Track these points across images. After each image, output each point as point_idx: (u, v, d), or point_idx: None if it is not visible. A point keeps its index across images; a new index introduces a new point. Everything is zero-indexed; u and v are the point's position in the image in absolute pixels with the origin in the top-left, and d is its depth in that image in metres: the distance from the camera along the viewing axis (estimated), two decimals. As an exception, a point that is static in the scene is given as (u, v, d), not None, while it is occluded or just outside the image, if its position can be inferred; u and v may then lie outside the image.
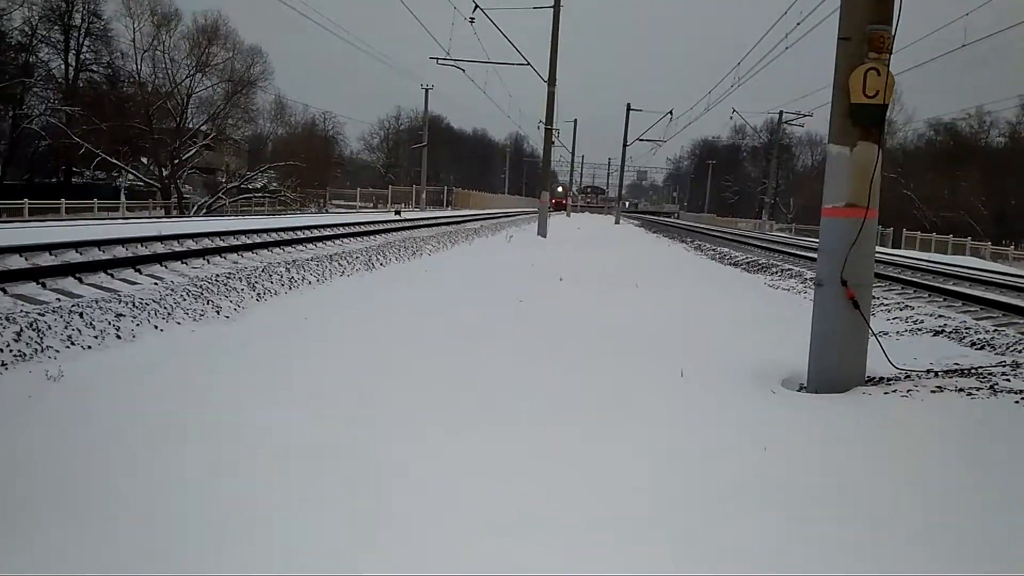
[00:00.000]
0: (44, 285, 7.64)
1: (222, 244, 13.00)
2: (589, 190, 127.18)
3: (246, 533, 2.92)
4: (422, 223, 26.88)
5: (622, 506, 3.31)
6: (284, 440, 3.93)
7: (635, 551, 2.92)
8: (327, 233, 17.75)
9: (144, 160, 47.71)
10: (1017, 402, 4.97)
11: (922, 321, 9.30)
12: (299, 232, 17.32)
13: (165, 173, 45.42)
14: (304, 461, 3.67)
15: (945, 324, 8.90)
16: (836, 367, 5.59)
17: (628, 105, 53.64)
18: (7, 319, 5.80)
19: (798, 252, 21.08)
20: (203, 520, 3.01)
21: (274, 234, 16.03)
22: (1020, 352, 7.23)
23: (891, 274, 15.08)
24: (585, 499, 3.38)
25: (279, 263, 11.02)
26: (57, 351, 5.60)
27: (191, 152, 46.49)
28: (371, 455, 3.79)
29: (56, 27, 46.69)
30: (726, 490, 3.55)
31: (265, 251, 12.82)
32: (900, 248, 38.31)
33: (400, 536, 2.95)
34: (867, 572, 2.84)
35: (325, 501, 3.23)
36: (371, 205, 57.12)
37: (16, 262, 8.87)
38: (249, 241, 13.99)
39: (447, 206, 63.84)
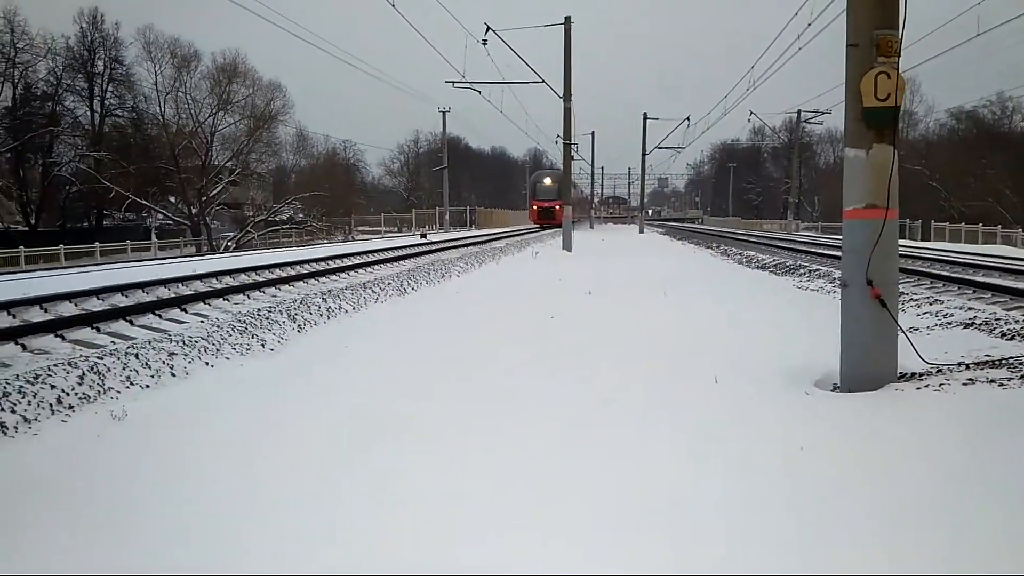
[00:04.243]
0: (98, 329, 7.99)
1: (259, 279, 13.34)
2: (611, 200, 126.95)
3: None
4: (448, 245, 27.20)
5: (654, 505, 3.49)
6: (341, 473, 4.18)
7: (674, 542, 3.11)
8: (358, 261, 18.10)
9: (172, 199, 48.85)
10: (1049, 390, 5.06)
11: (952, 314, 9.36)
12: (331, 262, 17.67)
13: (194, 211, 46.44)
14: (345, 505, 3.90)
15: (975, 316, 8.96)
16: (867, 366, 5.71)
17: (644, 114, 53.74)
18: (69, 364, 6.12)
19: (825, 252, 21.03)
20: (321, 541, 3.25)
21: (307, 265, 16.40)
22: (1051, 340, 7.29)
23: (919, 268, 15.07)
24: (609, 502, 3.56)
25: (315, 294, 11.33)
26: (118, 392, 5.90)
27: (218, 188, 47.52)
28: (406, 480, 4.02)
29: (80, 75, 48.09)
30: (762, 490, 3.70)
31: (301, 283, 13.16)
32: (929, 240, 37.83)
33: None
34: (902, 572, 2.92)
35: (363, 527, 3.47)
36: (396, 229, 57.75)
37: (67, 309, 9.26)
38: (284, 274, 14.35)
39: (471, 226, 64.33)
